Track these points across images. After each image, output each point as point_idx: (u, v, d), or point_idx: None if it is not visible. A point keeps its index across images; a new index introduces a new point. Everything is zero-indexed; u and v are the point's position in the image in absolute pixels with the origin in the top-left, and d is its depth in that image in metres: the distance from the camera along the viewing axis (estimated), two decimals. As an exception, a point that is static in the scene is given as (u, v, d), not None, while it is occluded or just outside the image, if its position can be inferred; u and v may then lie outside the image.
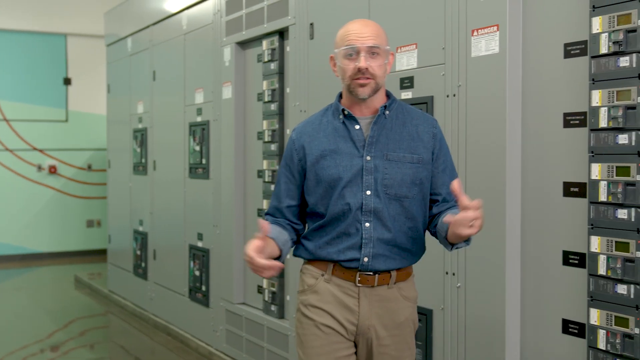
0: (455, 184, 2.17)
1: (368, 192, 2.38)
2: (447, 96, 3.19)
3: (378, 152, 2.39)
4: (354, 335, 2.44)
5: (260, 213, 4.76)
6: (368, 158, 2.38)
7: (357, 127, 2.42)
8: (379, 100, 2.44)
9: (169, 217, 6.17)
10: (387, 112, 2.42)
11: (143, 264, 6.73)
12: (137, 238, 6.89)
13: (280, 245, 2.46)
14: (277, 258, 2.45)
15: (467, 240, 2.33)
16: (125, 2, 7.37)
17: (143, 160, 6.74)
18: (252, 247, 2.25)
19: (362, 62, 2.33)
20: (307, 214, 2.54)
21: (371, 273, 2.40)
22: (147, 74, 6.65)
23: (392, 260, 2.42)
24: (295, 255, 2.56)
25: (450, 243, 2.37)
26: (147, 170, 6.66)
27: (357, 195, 2.38)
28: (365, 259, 2.39)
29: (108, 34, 7.87)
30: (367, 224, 2.38)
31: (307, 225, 2.57)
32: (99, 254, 10.19)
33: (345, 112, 2.43)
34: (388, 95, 2.49)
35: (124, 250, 7.32)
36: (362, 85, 2.36)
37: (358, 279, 2.40)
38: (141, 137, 6.78)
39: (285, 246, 2.49)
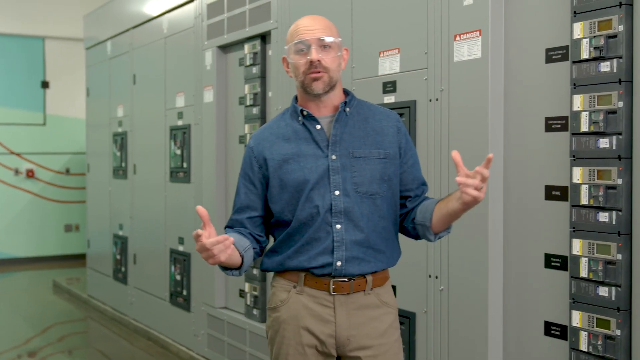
0: (455, 153, 2.10)
1: (337, 192, 2.28)
2: (430, 100, 3.21)
3: (343, 150, 2.31)
4: (334, 348, 2.31)
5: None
6: (333, 157, 2.30)
7: (318, 126, 2.33)
8: (337, 97, 2.37)
9: (150, 221, 6.14)
10: (347, 109, 2.36)
11: (123, 269, 6.69)
12: (117, 242, 6.85)
13: (241, 251, 2.28)
14: (239, 268, 2.30)
15: (448, 227, 2.32)
16: (105, 5, 7.34)
17: (123, 164, 6.71)
18: (196, 232, 2.06)
19: (314, 55, 2.26)
20: (273, 225, 2.42)
21: (345, 279, 2.29)
22: (127, 78, 6.63)
23: (367, 263, 2.31)
24: (263, 269, 2.42)
25: (434, 232, 2.32)
26: (127, 174, 6.63)
27: (326, 196, 2.28)
28: (339, 263, 2.27)
29: (87, 37, 7.83)
30: (338, 226, 2.28)
31: (274, 237, 2.44)
32: (78, 259, 10.12)
33: (304, 113, 2.34)
34: (346, 92, 2.42)
35: (103, 254, 7.28)
36: (316, 79, 2.27)
37: (332, 287, 2.29)
38: (121, 140, 6.74)
39: (248, 253, 2.31)
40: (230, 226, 2.44)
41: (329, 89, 2.31)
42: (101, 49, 7.33)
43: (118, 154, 6.83)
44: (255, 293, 4.60)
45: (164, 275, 5.83)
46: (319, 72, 2.27)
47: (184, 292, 5.48)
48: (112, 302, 7.00)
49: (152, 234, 6.08)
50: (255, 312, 4.61)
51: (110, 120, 7.06)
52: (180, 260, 5.53)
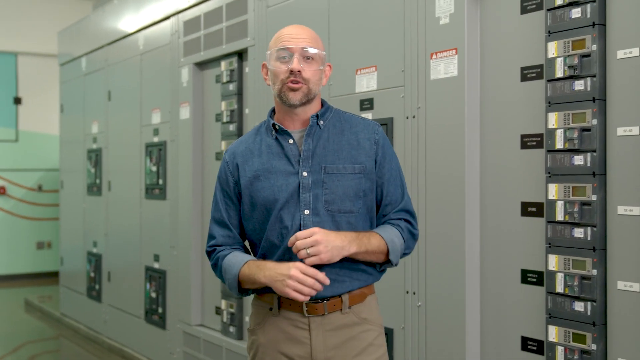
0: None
1: (306, 212, 2.18)
2: (407, 118, 3.24)
3: (315, 165, 2.20)
4: None
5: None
6: (304, 174, 2.19)
7: (291, 141, 2.23)
8: (313, 111, 2.26)
9: (125, 239, 6.10)
10: (320, 122, 2.24)
11: (97, 286, 6.63)
12: (90, 260, 6.79)
13: None
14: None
15: (387, 261, 2.23)
16: (80, 22, 7.32)
17: (97, 181, 6.67)
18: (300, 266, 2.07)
19: (295, 64, 2.16)
20: (250, 243, 2.35)
21: (319, 300, 2.18)
22: (102, 94, 6.60)
23: (341, 284, 2.20)
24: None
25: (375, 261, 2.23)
26: (101, 190, 6.59)
27: (295, 216, 2.18)
28: None
29: (61, 53, 7.79)
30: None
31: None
32: (50, 277, 9.99)
33: (277, 127, 2.24)
34: (322, 104, 2.31)
35: (77, 272, 7.20)
36: (294, 90, 2.17)
37: (306, 309, 2.19)
38: (96, 157, 6.70)
39: None
40: (219, 245, 2.33)
41: (306, 101, 2.21)
42: (76, 65, 7.30)
43: (92, 170, 6.78)
44: (232, 310, 4.59)
45: (139, 293, 5.79)
46: (298, 82, 2.17)
47: (160, 310, 5.44)
48: (85, 321, 6.92)
49: (127, 251, 6.04)
50: (231, 329, 4.59)
51: (85, 136, 7.02)
52: (156, 277, 5.49)
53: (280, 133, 2.25)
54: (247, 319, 4.47)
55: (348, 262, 2.19)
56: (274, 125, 2.26)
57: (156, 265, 5.52)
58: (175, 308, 5.23)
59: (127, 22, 6.06)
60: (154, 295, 5.53)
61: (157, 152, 5.50)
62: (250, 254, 2.32)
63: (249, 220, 2.28)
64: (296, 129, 2.26)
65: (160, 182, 5.44)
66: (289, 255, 2.17)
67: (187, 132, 5.05)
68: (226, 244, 2.33)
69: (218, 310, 4.80)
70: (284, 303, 2.22)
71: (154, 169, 5.53)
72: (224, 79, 4.67)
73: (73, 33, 7.45)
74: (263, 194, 2.21)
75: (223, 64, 4.69)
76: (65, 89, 7.68)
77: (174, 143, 5.25)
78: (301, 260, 2.10)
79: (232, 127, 4.60)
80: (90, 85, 6.95)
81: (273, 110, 2.33)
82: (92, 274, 6.73)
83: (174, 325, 5.24)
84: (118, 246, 6.26)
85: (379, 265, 2.26)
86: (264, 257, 2.25)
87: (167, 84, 5.34)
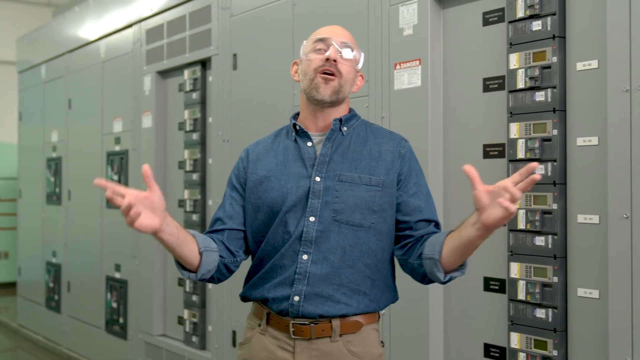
0: (469, 167, 1.80)
1: (312, 219, 2.03)
2: (382, 127, 3.26)
3: (330, 172, 2.06)
4: None
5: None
6: (317, 179, 2.05)
7: (310, 144, 2.10)
8: (340, 114, 2.13)
9: (85, 248, 6.03)
10: (344, 128, 2.11)
11: (56, 297, 6.54)
12: (50, 270, 6.69)
13: (201, 248, 2.03)
14: (197, 270, 2.04)
15: (463, 266, 1.98)
16: (39, 29, 7.23)
17: (57, 190, 6.58)
18: (133, 191, 1.82)
19: (332, 52, 2.05)
20: (251, 249, 2.20)
21: (306, 322, 2.04)
22: (62, 102, 6.52)
23: (334, 304, 2.03)
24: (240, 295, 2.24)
25: (444, 269, 1.97)
26: (61, 200, 6.50)
27: (300, 222, 2.04)
28: (296, 298, 2.03)
29: (20, 60, 7.68)
30: (305, 256, 2.03)
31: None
32: (6, 287, 9.81)
33: (297, 127, 2.12)
34: (350, 111, 2.19)
35: (35, 282, 7.09)
36: (326, 81, 2.05)
37: (292, 329, 2.04)
38: (55, 166, 6.62)
39: (209, 255, 2.05)
40: (210, 231, 2.20)
41: (335, 99, 2.08)
42: (35, 73, 7.20)
43: (52, 179, 6.69)
44: (195, 320, 4.56)
45: (99, 303, 5.72)
46: (332, 73, 2.06)
47: (121, 320, 5.38)
48: (44, 332, 6.81)
49: (87, 261, 5.97)
50: (194, 339, 4.56)
51: (44, 145, 6.93)
52: (117, 287, 5.44)
53: (300, 135, 2.13)
54: (209, 328, 4.45)
55: (349, 281, 2.05)
56: (294, 125, 2.14)
57: (117, 275, 5.47)
58: (136, 318, 5.18)
59: (88, 29, 6.01)
60: (115, 305, 5.48)
61: (118, 160, 5.45)
62: (217, 243, 2.12)
63: (254, 223, 2.14)
64: (317, 132, 2.13)
65: (122, 191, 5.38)
66: (283, 262, 2.07)
67: (149, 140, 5.02)
68: (212, 231, 2.18)
69: (180, 320, 4.77)
70: (272, 320, 2.10)
71: (116, 177, 5.48)
72: (187, 88, 4.65)
73: (32, 40, 7.36)
74: (272, 194, 2.09)
75: (186, 73, 4.67)
76: (24, 96, 7.57)
77: (136, 152, 5.21)
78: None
79: (195, 136, 4.58)
80: (50, 93, 6.87)
81: (296, 115, 2.21)
82: (51, 284, 6.64)
83: (135, 336, 5.19)
84: (78, 256, 6.18)
85: (447, 275, 1.98)
86: (260, 260, 2.14)
87: (129, 93, 5.30)
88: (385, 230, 2.09)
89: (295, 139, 2.14)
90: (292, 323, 2.05)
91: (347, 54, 2.10)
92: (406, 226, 2.10)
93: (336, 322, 2.04)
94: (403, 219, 2.10)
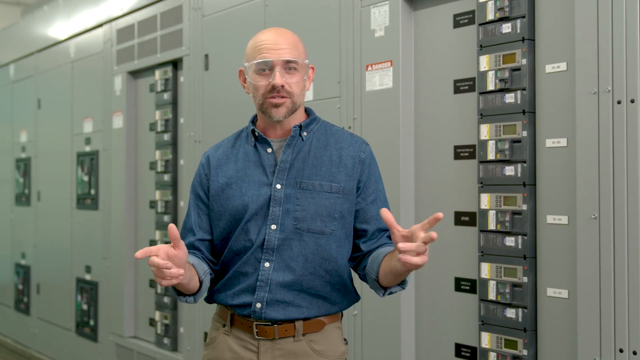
0: (386, 212, 1.83)
1: (273, 227, 2.05)
2: (343, 128, 3.27)
3: (291, 179, 2.07)
4: None
5: (152, 245, 4.69)
6: (278, 186, 2.06)
7: (269, 150, 2.10)
8: (298, 120, 2.12)
9: (55, 250, 5.96)
10: (304, 133, 2.10)
11: (25, 299, 6.46)
12: (19, 272, 6.61)
13: (201, 275, 2.08)
14: (195, 294, 2.09)
15: (402, 282, 2.02)
16: (7, 28, 7.14)
17: (26, 191, 6.50)
18: (165, 248, 1.84)
19: (277, 79, 2.01)
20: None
21: (269, 323, 2.07)
22: (31, 102, 6.45)
23: (296, 309, 2.06)
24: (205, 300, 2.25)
25: (382, 287, 2.04)
26: (30, 201, 6.43)
27: (262, 230, 2.06)
28: (258, 305, 2.06)
29: (-12, 59, 7.58)
30: (267, 264, 2.06)
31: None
32: (-25, 289, 9.67)
33: (257, 134, 2.11)
34: (309, 113, 2.18)
35: (4, 284, 6.99)
36: (277, 106, 2.03)
37: (256, 330, 2.08)
38: (24, 166, 6.54)
39: (207, 279, 2.11)
40: None
41: (291, 114, 2.08)
42: (3, 72, 7.11)
43: (21, 180, 6.62)
44: (166, 322, 4.53)
45: (69, 305, 5.67)
46: (283, 97, 2.03)
47: (91, 322, 5.34)
48: (13, 334, 6.73)
49: (57, 262, 5.91)
50: (166, 340, 4.54)
51: (13, 145, 6.84)
52: (87, 289, 5.39)
53: (260, 141, 2.12)
54: (181, 330, 4.43)
55: (310, 288, 2.08)
56: (253, 131, 2.13)
57: (88, 277, 5.42)
58: (107, 320, 5.14)
59: (57, 29, 5.95)
60: (85, 307, 5.43)
61: (89, 161, 5.40)
62: (206, 263, 2.17)
63: (216, 229, 2.16)
64: (277, 138, 2.13)
65: (92, 192, 5.35)
66: (245, 269, 2.09)
67: (120, 141, 4.98)
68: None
69: (152, 322, 4.74)
70: (236, 321, 2.12)
71: (86, 178, 5.43)
72: (159, 88, 4.63)
73: (0, 39, 7.26)
74: (233, 202, 2.10)
75: (157, 73, 4.65)
76: (-8, 96, 7.47)
77: (106, 152, 5.16)
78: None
79: (166, 137, 4.56)
80: (18, 93, 6.78)
81: (255, 117, 2.20)
82: (20, 286, 6.56)
83: (106, 338, 5.15)
84: (48, 257, 6.11)
85: (386, 290, 2.05)
86: (224, 266, 2.15)
87: (100, 93, 5.25)
88: (344, 236, 2.12)
89: (255, 145, 2.13)
90: (256, 324, 2.08)
91: (293, 72, 2.06)
92: (364, 234, 2.14)
93: (299, 323, 2.08)
94: (361, 227, 2.14)
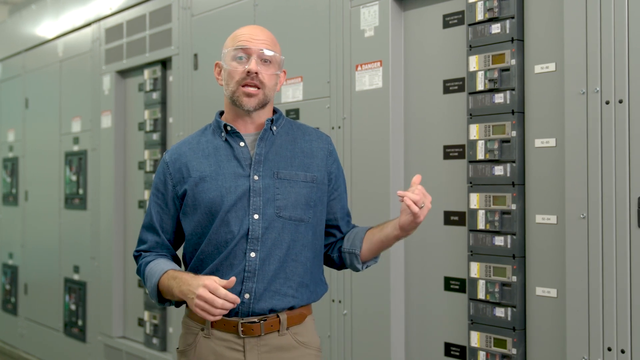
0: (418, 178, 2.11)
1: (256, 216, 2.08)
2: (333, 128, 3.28)
3: (267, 170, 2.12)
4: None
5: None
6: (256, 177, 2.11)
7: (242, 144, 2.15)
8: (266, 116, 2.19)
9: (43, 250, 5.94)
10: (274, 127, 2.19)
11: (13, 299, 6.43)
12: (6, 272, 6.58)
13: None
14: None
15: (376, 257, 2.25)
16: (-5, 27, 7.10)
17: (14, 191, 6.47)
18: (218, 281, 1.92)
19: (253, 65, 2.09)
20: (184, 250, 2.23)
21: (255, 320, 2.08)
22: (19, 101, 6.42)
23: (282, 298, 2.10)
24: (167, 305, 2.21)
25: (362, 261, 2.22)
26: (18, 200, 6.40)
27: (244, 220, 2.08)
28: (247, 296, 2.07)
29: (-25, 58, 7.54)
30: (253, 254, 2.07)
31: (184, 264, 2.24)
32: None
33: (228, 128, 2.16)
34: (275, 111, 2.25)
35: (-9, 285, 6.97)
36: (249, 95, 2.10)
37: (241, 329, 2.08)
38: (12, 166, 6.51)
39: None
40: (145, 250, 2.23)
41: (261, 107, 2.14)
42: (-10, 72, 7.08)
43: (8, 180, 6.58)
44: (155, 321, 4.52)
45: (57, 305, 5.64)
46: (256, 87, 2.10)
47: (80, 322, 5.32)
48: (0, 335, 6.69)
49: (45, 262, 5.88)
50: (155, 340, 4.53)
51: (0, 145, 6.81)
52: (76, 289, 5.37)
53: (231, 135, 2.16)
54: (170, 330, 4.42)
55: (294, 275, 2.13)
56: (225, 126, 2.17)
57: (76, 277, 5.40)
58: (96, 320, 5.13)
59: (45, 28, 5.92)
60: (73, 307, 5.41)
61: (77, 161, 5.38)
62: (179, 263, 2.22)
63: (189, 223, 2.16)
64: (248, 132, 2.18)
65: (81, 191, 5.33)
66: (230, 261, 2.09)
67: (109, 141, 4.96)
68: (153, 249, 2.23)
69: (141, 322, 4.73)
70: (217, 323, 2.11)
71: (74, 178, 5.41)
72: (147, 88, 4.61)
73: (-13, 38, 7.22)
74: (209, 195, 2.10)
75: (146, 73, 4.63)
76: (-21, 95, 7.42)
77: (95, 152, 5.15)
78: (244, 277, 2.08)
79: (155, 136, 4.55)
80: (6, 92, 6.75)
81: (221, 113, 2.25)
82: (8, 287, 6.53)
83: (94, 338, 5.13)
84: (36, 258, 6.08)
85: (364, 264, 2.25)
86: (201, 261, 2.14)
87: (88, 92, 5.23)
88: (317, 224, 2.21)
89: (226, 139, 2.17)
90: (241, 322, 2.09)
91: (268, 65, 2.15)
92: (335, 223, 2.29)
93: (284, 316, 2.12)
94: (334, 216, 2.28)
